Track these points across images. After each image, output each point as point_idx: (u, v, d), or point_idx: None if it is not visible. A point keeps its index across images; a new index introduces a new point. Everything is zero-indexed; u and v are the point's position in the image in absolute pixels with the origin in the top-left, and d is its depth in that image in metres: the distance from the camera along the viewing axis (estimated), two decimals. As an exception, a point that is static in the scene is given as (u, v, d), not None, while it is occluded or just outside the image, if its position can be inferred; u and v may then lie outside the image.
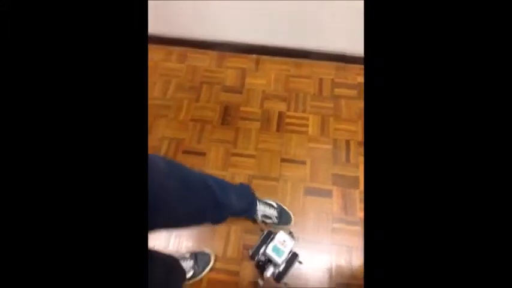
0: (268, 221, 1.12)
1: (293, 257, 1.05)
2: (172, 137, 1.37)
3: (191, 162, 1.30)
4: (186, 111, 1.44)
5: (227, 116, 1.43)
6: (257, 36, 1.52)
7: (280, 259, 0.97)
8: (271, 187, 1.25)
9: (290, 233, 1.02)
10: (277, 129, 1.39)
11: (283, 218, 1.14)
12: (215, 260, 1.10)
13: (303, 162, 1.30)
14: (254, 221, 1.13)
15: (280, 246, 0.98)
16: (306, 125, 1.40)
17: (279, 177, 1.27)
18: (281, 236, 0.99)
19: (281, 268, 1.00)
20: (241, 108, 1.44)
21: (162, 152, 1.32)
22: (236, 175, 1.28)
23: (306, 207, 1.20)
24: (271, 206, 1.13)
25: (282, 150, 1.33)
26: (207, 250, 1.10)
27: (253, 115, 1.43)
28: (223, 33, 1.53)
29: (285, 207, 1.17)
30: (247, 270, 1.10)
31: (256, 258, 1.00)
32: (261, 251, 0.99)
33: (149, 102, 1.46)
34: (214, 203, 0.82)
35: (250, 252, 1.02)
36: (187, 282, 1.04)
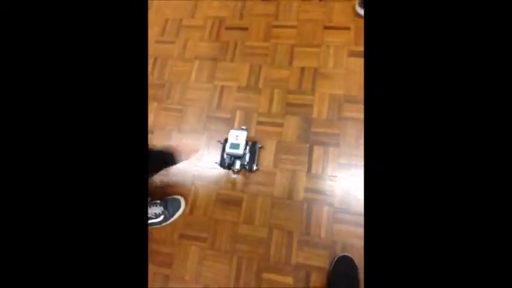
0: None
1: (253, 145, 1.13)
2: (215, 15, 1.41)
3: (234, 37, 1.35)
4: (226, -10, 1.44)
5: (267, -9, 1.40)
6: None
7: (240, 151, 1.05)
8: (313, 53, 1.25)
9: (241, 128, 1.09)
10: (320, 0, 1.34)
11: None
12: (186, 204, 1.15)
13: (347, 28, 1.26)
14: None
15: (234, 141, 1.06)
16: (351, -7, 1.32)
17: (322, 43, 1.26)
18: (232, 133, 1.07)
19: (247, 158, 1.09)
20: (282, -18, 1.40)
21: (207, 30, 1.39)
22: (278, 45, 1.30)
23: (350, 68, 1.20)
24: None
25: (325, 18, 1.30)
26: (177, 196, 1.14)
27: (294, -12, 1.38)
28: None
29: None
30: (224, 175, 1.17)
31: (224, 164, 1.10)
32: (224, 155, 1.09)
33: (191, -14, 1.49)
34: None
35: (218, 163, 1.12)
36: (159, 226, 1.11)
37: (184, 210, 1.13)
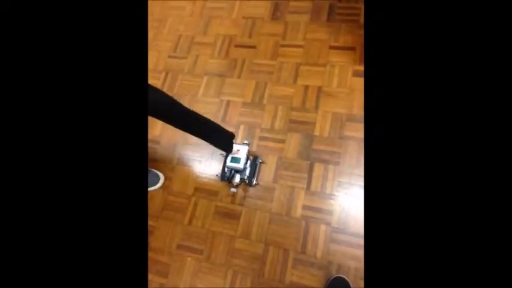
0: None
1: (254, 160, 1.14)
2: (226, 33, 1.47)
3: (243, 55, 1.40)
4: (238, 9, 1.51)
5: (277, 11, 1.45)
6: None
7: (241, 165, 1.06)
8: (318, 72, 1.28)
9: (243, 143, 1.10)
10: (327, 20, 1.37)
11: None
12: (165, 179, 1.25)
13: (353, 48, 1.28)
14: None
15: (235, 155, 1.08)
16: (358, 14, 1.34)
17: (327, 62, 1.29)
18: (234, 147, 1.08)
19: (247, 172, 1.11)
20: (291, 3, 1.45)
21: (217, 48, 1.44)
22: (284, 63, 1.33)
23: (354, 87, 1.21)
24: None
25: (331, 38, 1.33)
26: (160, 173, 1.24)
27: (303, 9, 1.42)
28: None
29: None
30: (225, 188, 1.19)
31: (224, 177, 1.12)
32: (225, 169, 1.12)
33: (204, 5, 1.57)
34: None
35: (219, 176, 1.14)
36: None
37: (161, 186, 1.24)
